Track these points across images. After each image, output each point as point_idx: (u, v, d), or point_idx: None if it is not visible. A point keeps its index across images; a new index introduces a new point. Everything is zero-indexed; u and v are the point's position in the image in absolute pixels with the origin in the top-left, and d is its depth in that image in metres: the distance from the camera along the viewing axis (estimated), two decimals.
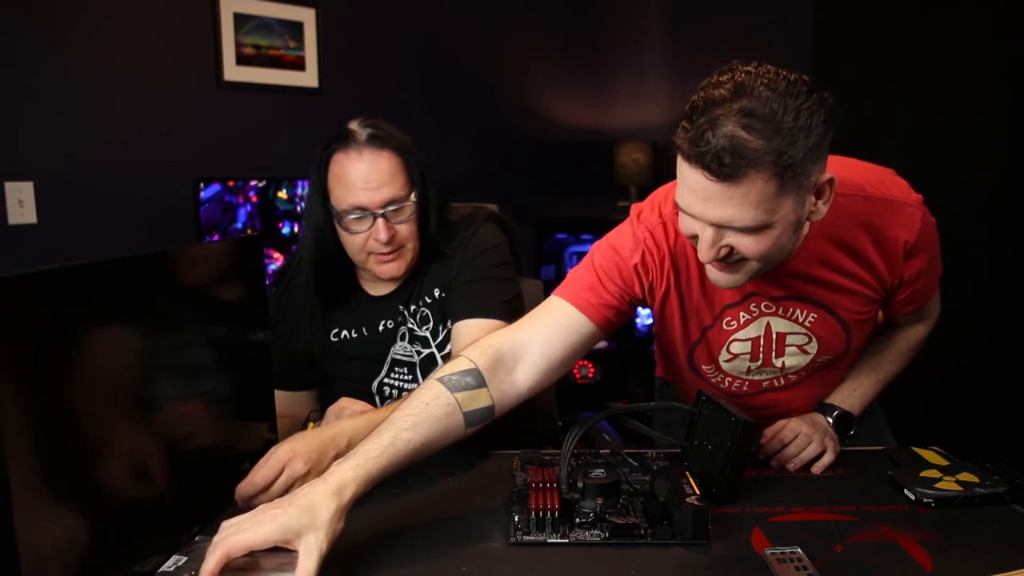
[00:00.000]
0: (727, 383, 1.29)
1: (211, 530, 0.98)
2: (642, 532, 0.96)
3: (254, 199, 2.34)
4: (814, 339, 1.20)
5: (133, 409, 0.89)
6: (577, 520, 0.98)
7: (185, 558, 0.91)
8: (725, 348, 1.22)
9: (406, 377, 1.39)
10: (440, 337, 1.40)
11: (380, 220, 1.28)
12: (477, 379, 1.06)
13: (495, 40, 3.39)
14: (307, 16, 2.74)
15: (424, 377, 1.29)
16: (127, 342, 0.87)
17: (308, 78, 2.77)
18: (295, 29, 2.71)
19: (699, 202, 0.97)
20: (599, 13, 3.61)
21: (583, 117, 3.66)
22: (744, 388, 1.29)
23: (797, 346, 1.21)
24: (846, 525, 1.00)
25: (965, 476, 1.09)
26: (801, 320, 1.18)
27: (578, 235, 3.44)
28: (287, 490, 1.02)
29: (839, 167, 1.05)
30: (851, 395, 1.30)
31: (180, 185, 2.28)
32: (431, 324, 1.39)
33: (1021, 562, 0.89)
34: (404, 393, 1.38)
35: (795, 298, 1.16)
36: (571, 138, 3.62)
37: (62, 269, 0.77)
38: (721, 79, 0.95)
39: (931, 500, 1.04)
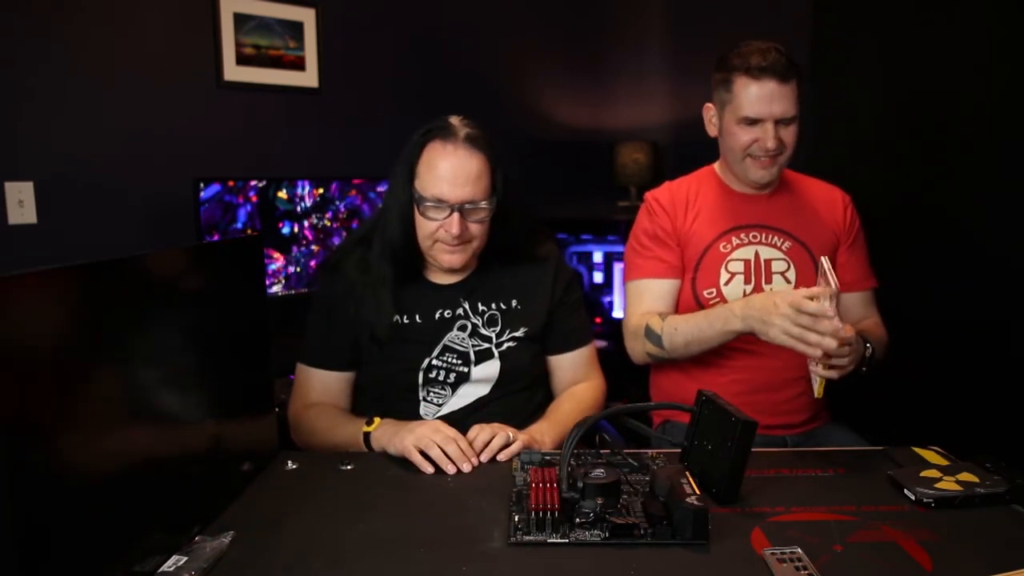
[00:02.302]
0: None
1: (211, 530, 0.99)
2: (642, 532, 0.96)
3: (254, 199, 2.34)
4: (792, 266, 1.59)
5: (133, 409, 0.89)
6: (577, 520, 0.98)
7: (185, 558, 0.91)
8: (724, 267, 1.58)
9: (456, 361, 1.43)
10: (504, 337, 1.45)
11: (456, 215, 1.35)
12: None
13: (495, 40, 3.38)
14: (307, 16, 2.74)
15: (476, 365, 1.44)
16: (127, 342, 0.87)
17: (308, 78, 2.76)
18: (295, 29, 2.71)
19: (766, 104, 1.50)
20: (599, 13, 3.61)
21: (583, 117, 3.66)
22: None
23: (781, 273, 1.59)
24: (846, 525, 1.00)
25: (965, 476, 1.09)
26: (779, 245, 1.60)
27: (578, 235, 3.44)
28: None
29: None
30: (870, 335, 1.51)
31: (180, 185, 2.28)
32: (498, 327, 1.45)
33: (1021, 562, 0.89)
34: (451, 375, 1.43)
35: (774, 228, 1.61)
36: (571, 138, 3.62)
37: (62, 269, 0.77)
38: (740, 46, 1.54)
39: (931, 500, 1.05)
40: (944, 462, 1.19)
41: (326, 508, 1.07)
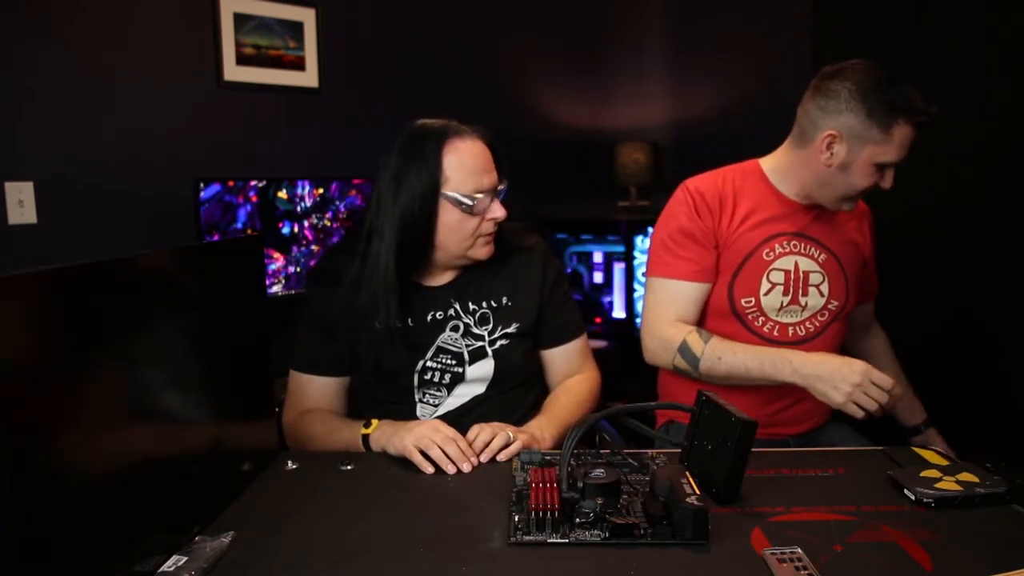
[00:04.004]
0: (760, 322, 1.55)
1: (211, 530, 0.99)
2: (642, 532, 0.96)
3: (254, 199, 2.34)
4: (826, 279, 1.55)
5: (133, 409, 0.89)
6: (577, 520, 0.98)
7: (185, 558, 0.91)
8: (765, 277, 1.53)
9: (450, 362, 1.43)
10: (496, 335, 1.44)
11: (496, 201, 1.39)
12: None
13: (495, 40, 3.38)
14: (307, 16, 2.74)
15: (471, 365, 1.42)
16: (127, 342, 0.87)
17: (308, 78, 2.77)
18: (295, 29, 2.71)
19: (905, 151, 1.43)
20: (599, 13, 3.61)
21: (583, 117, 3.66)
22: (775, 333, 1.55)
23: (816, 286, 1.55)
24: (846, 525, 1.00)
25: (965, 476, 1.09)
26: (816, 257, 1.56)
27: (578, 235, 3.45)
28: None
29: None
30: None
31: (180, 185, 2.28)
32: (490, 325, 1.44)
33: (1021, 562, 0.89)
34: (446, 376, 1.42)
35: (811, 238, 1.56)
36: (571, 138, 3.62)
37: (62, 269, 0.77)
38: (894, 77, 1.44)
39: (931, 500, 1.04)
40: (944, 462, 1.19)
41: (326, 508, 1.07)
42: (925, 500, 1.05)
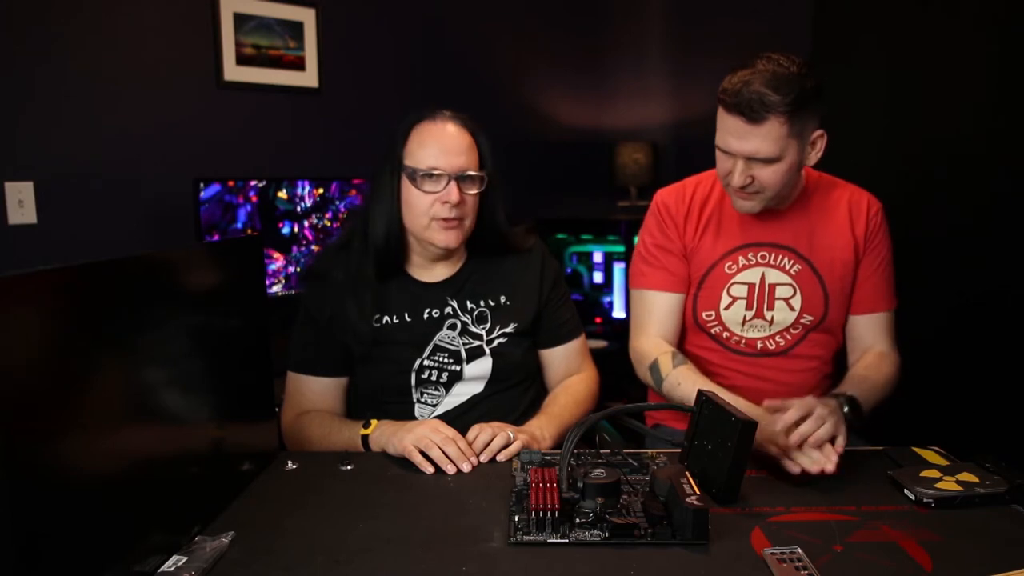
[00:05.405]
0: (726, 336, 1.51)
1: (211, 530, 0.99)
2: (642, 532, 0.96)
3: (254, 199, 2.34)
4: (798, 292, 1.48)
5: (133, 409, 0.89)
6: (577, 520, 0.98)
7: (185, 558, 0.91)
8: (726, 291, 1.49)
9: (448, 360, 1.42)
10: (495, 334, 1.45)
11: (453, 183, 1.36)
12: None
13: (495, 40, 3.39)
14: (307, 16, 2.74)
15: (468, 363, 1.42)
16: (127, 342, 0.87)
17: (308, 78, 2.77)
18: (295, 29, 2.71)
19: (734, 140, 1.33)
20: (599, 13, 3.61)
21: (583, 117, 3.66)
22: (742, 346, 1.51)
23: (785, 299, 1.48)
24: (846, 525, 1.00)
25: (965, 476, 1.09)
26: (788, 268, 1.48)
27: (578, 235, 3.44)
28: None
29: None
30: (857, 386, 1.37)
31: (180, 185, 2.28)
32: (488, 324, 1.45)
33: (1021, 562, 0.89)
34: (444, 374, 1.42)
35: (785, 247, 1.48)
36: (571, 138, 3.62)
37: (62, 269, 0.77)
38: (751, 61, 1.33)
39: (931, 500, 1.05)
40: (944, 462, 1.19)
41: (326, 508, 1.07)
42: (925, 500, 1.05)
